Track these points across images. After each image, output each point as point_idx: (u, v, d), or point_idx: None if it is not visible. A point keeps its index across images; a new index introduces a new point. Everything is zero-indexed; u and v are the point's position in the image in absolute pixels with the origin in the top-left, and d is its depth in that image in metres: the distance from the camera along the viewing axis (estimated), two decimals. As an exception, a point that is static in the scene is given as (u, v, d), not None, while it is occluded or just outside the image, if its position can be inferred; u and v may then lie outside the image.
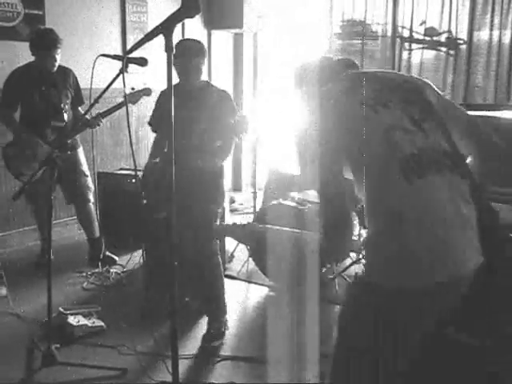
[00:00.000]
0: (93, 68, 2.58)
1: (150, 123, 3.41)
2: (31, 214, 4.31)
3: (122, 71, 2.63)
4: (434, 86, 1.76)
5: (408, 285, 1.42)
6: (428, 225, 1.42)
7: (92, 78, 2.70)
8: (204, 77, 3.21)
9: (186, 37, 5.83)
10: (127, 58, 2.78)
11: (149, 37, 1.60)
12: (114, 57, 2.83)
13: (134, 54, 5.22)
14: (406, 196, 1.45)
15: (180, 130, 3.02)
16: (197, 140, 3.06)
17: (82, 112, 4.20)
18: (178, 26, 5.97)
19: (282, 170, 4.32)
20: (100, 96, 2.64)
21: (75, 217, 4.43)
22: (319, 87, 1.73)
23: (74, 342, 3.10)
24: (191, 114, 3.01)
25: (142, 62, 2.83)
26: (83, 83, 4.22)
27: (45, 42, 3.85)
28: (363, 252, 1.55)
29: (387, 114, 1.58)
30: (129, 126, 2.16)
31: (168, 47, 1.56)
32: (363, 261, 1.60)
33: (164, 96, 3.23)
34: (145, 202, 3.36)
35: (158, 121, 3.29)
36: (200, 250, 3.10)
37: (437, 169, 1.49)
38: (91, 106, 2.63)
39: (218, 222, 3.16)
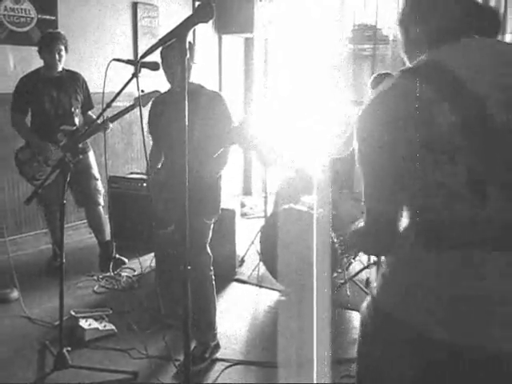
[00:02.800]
0: (106, 72, 2.59)
1: (149, 133, 3.27)
2: (43, 218, 4.34)
3: (136, 75, 2.66)
4: None
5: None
6: None
7: (105, 82, 2.72)
8: (215, 81, 3.09)
9: (197, 41, 5.88)
10: (141, 63, 2.81)
11: (162, 41, 1.60)
12: (127, 61, 2.85)
13: (147, 61, 5.28)
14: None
15: (175, 141, 2.97)
16: (192, 150, 2.94)
17: (93, 116, 4.23)
18: (190, 31, 5.97)
19: (294, 175, 4.31)
20: (113, 100, 2.66)
21: (85, 220, 4.45)
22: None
23: (86, 345, 3.11)
24: (183, 122, 2.90)
25: (155, 66, 2.84)
26: (95, 88, 4.25)
27: (46, 42, 3.89)
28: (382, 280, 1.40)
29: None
30: (142, 129, 2.16)
31: (182, 52, 1.56)
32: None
33: (155, 105, 3.11)
34: (153, 215, 3.35)
35: (153, 131, 3.16)
36: (192, 265, 2.98)
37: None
38: (104, 109, 2.64)
39: (210, 234, 3.06)
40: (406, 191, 1.28)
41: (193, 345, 3.03)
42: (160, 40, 1.61)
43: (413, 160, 1.22)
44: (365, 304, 1.43)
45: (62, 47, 3.89)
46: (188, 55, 1.69)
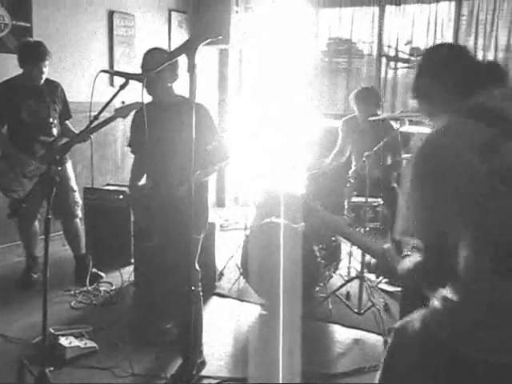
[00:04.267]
0: (93, 83, 2.53)
1: (129, 145, 3.19)
2: (17, 230, 4.20)
3: (143, 85, 2.60)
4: None
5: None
6: None
7: (92, 92, 2.65)
8: (186, 93, 2.97)
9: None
10: (126, 74, 2.75)
11: (171, 56, 1.57)
12: (116, 73, 2.79)
13: (122, 70, 5.18)
14: None
15: (158, 154, 2.93)
16: (177, 164, 2.82)
17: (70, 126, 4.15)
18: (164, 41, 6.02)
19: (274, 188, 4.30)
20: (101, 111, 2.60)
21: (59, 232, 4.34)
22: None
23: (66, 364, 3.01)
24: (167, 134, 2.81)
25: (141, 77, 2.79)
26: (70, 97, 4.17)
27: (33, 55, 3.79)
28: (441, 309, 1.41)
29: None
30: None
31: (191, 67, 1.53)
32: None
33: (137, 117, 3.03)
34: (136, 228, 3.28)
35: (135, 144, 3.08)
36: (181, 280, 2.92)
37: None
38: (91, 121, 2.58)
39: (199, 250, 3.03)
40: (471, 221, 1.31)
41: (178, 362, 2.98)
42: (169, 54, 1.58)
43: (482, 189, 1.29)
44: (405, 330, 1.42)
45: (48, 61, 3.80)
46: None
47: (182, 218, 2.87)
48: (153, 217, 2.96)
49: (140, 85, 2.82)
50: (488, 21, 5.45)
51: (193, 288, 2.89)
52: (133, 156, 3.18)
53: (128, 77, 2.69)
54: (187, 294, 2.90)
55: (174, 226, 2.84)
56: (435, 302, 1.41)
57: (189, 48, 1.55)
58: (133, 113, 3.12)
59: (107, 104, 2.60)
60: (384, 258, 1.60)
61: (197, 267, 2.92)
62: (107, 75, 5.14)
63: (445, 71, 1.53)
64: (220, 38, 1.55)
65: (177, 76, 2.86)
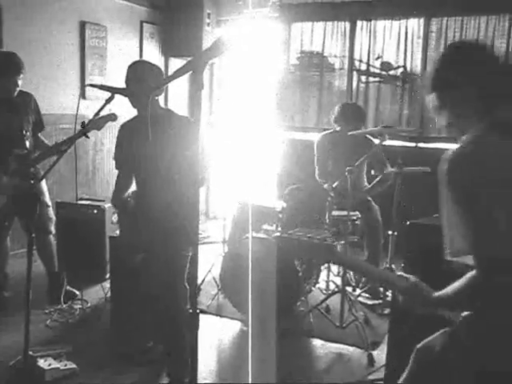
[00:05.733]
0: (79, 97, 2.49)
1: (114, 158, 3.09)
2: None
3: (108, 101, 2.56)
4: None
5: None
6: None
7: (78, 105, 2.61)
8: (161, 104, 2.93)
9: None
10: (113, 89, 2.70)
11: (178, 74, 1.53)
12: (102, 87, 2.73)
13: (96, 83, 5.09)
14: None
15: (145, 169, 2.88)
16: (164, 178, 2.82)
17: (43, 138, 4.04)
18: (136, 52, 5.96)
19: (253, 202, 4.27)
20: (89, 123, 2.57)
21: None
22: None
23: (46, 387, 2.90)
24: (154, 149, 2.76)
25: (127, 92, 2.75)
26: (41, 109, 4.06)
27: (8, 67, 3.68)
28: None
29: None
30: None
31: (198, 85, 1.50)
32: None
33: (123, 132, 2.99)
34: (119, 240, 3.20)
35: (121, 159, 3.02)
36: (169, 298, 2.86)
37: None
38: (80, 131, 2.55)
39: (187, 267, 2.96)
40: None
41: (163, 382, 2.92)
42: (175, 72, 1.55)
43: None
44: (430, 349, 1.40)
45: (22, 74, 3.70)
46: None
47: (170, 233, 2.84)
48: (138, 232, 2.90)
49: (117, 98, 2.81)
50: (456, 37, 5.59)
51: (189, 307, 2.86)
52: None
53: (114, 91, 2.65)
54: (175, 313, 2.86)
55: (160, 241, 2.79)
56: (469, 317, 1.40)
57: (196, 64, 1.51)
58: (118, 126, 3.05)
59: (95, 115, 2.58)
60: (416, 291, 1.55)
61: (185, 284, 2.87)
62: (79, 87, 5.07)
63: (489, 79, 1.49)
64: (228, 50, 1.51)
65: (163, 89, 2.83)
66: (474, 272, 1.37)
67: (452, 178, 1.37)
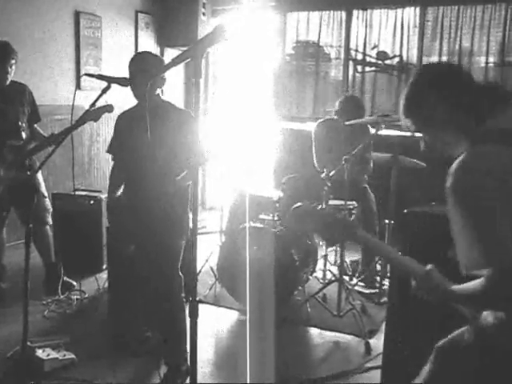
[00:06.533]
0: (76, 87, 2.47)
1: (108, 151, 3.11)
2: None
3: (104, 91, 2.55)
4: None
5: None
6: None
7: (74, 95, 2.60)
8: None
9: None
10: (109, 78, 2.69)
11: (177, 61, 1.53)
12: (98, 77, 2.71)
13: (89, 71, 5.01)
14: None
15: (142, 158, 2.87)
16: (161, 168, 2.80)
17: (39, 129, 4.02)
18: (131, 42, 5.93)
19: (250, 192, 4.27)
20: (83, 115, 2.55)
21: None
22: None
23: (45, 377, 2.90)
24: (152, 139, 2.64)
25: (125, 82, 2.73)
26: (37, 99, 4.04)
27: None
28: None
29: None
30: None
31: (197, 73, 1.50)
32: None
33: (121, 121, 2.99)
34: (112, 233, 3.20)
35: (117, 148, 3.01)
36: (164, 287, 2.87)
37: None
38: (76, 123, 2.53)
39: (181, 255, 2.92)
40: None
41: (161, 371, 2.92)
42: (174, 60, 1.54)
43: None
44: (453, 346, 1.40)
45: (14, 61, 3.67)
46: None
47: (163, 223, 2.84)
48: (132, 221, 2.90)
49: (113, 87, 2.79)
50: (452, 26, 5.59)
51: (183, 295, 2.88)
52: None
53: (111, 81, 2.64)
54: (171, 302, 2.87)
55: (154, 231, 2.79)
56: (501, 316, 1.38)
57: (194, 52, 1.50)
58: (115, 117, 3.03)
59: (91, 105, 2.57)
60: (429, 279, 1.54)
61: (180, 273, 2.87)
62: (74, 77, 5.04)
63: (463, 95, 1.51)
64: (228, 39, 1.51)
65: (165, 80, 2.83)
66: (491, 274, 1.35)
67: (458, 191, 1.37)
